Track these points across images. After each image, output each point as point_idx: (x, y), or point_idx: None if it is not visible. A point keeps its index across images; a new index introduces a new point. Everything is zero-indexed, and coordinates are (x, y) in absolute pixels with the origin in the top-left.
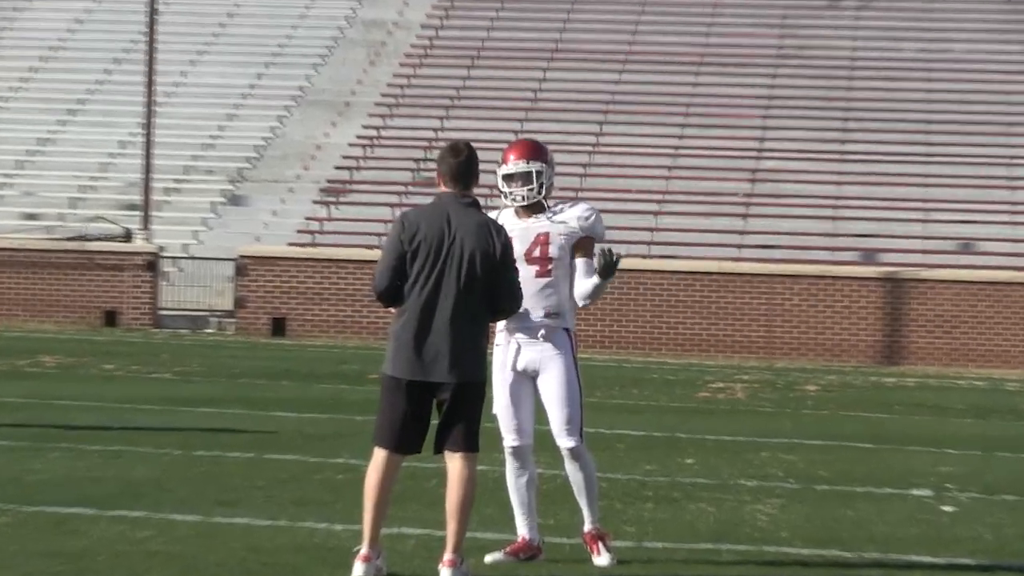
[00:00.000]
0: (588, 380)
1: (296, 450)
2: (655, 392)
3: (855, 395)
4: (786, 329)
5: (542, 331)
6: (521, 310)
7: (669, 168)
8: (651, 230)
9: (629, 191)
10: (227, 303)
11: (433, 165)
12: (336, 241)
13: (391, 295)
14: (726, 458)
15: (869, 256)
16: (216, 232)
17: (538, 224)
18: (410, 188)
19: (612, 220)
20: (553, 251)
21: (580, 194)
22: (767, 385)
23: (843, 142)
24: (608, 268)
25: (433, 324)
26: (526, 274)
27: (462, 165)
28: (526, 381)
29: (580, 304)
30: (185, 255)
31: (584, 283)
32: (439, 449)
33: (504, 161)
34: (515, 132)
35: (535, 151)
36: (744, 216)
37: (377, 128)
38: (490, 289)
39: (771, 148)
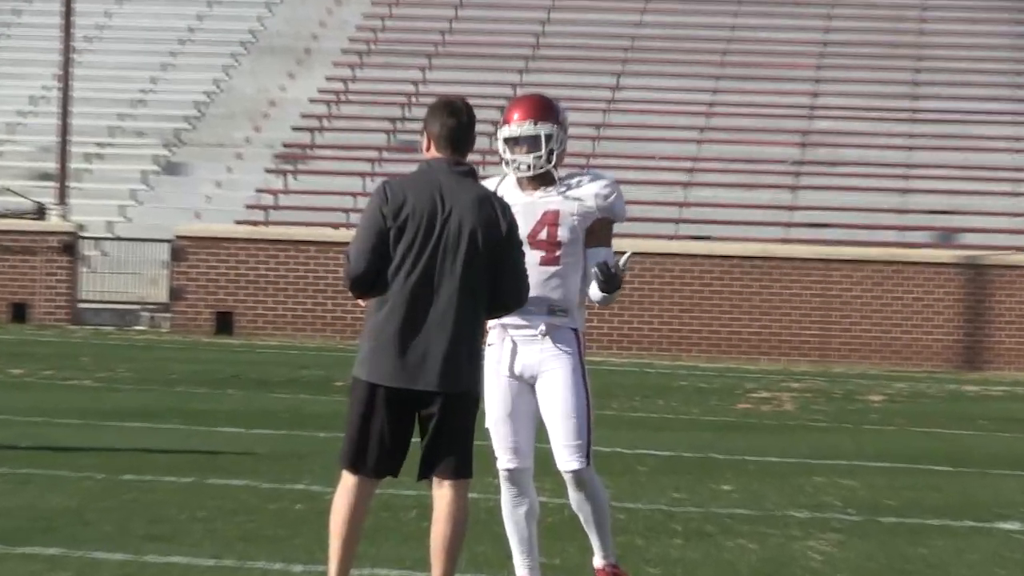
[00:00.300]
0: (602, 388)
1: (245, 474)
2: (684, 403)
3: (929, 407)
4: (844, 326)
5: (543, 328)
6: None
7: (701, 129)
8: (679, 205)
9: (652, 157)
10: (161, 294)
11: (414, 125)
12: (295, 218)
13: (368, 282)
14: (772, 484)
15: (946, 237)
16: (148, 208)
17: (547, 199)
18: (385, 154)
19: (631, 193)
20: (563, 234)
21: (591, 161)
22: (821, 394)
23: (914, 97)
24: (610, 282)
25: (422, 319)
26: (528, 260)
27: (461, 128)
28: (524, 389)
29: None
30: (110, 236)
31: (592, 289)
32: (425, 475)
33: (506, 121)
34: (513, 86)
35: (544, 110)
36: (793, 188)
37: (344, 81)
38: (492, 278)
39: (826, 105)
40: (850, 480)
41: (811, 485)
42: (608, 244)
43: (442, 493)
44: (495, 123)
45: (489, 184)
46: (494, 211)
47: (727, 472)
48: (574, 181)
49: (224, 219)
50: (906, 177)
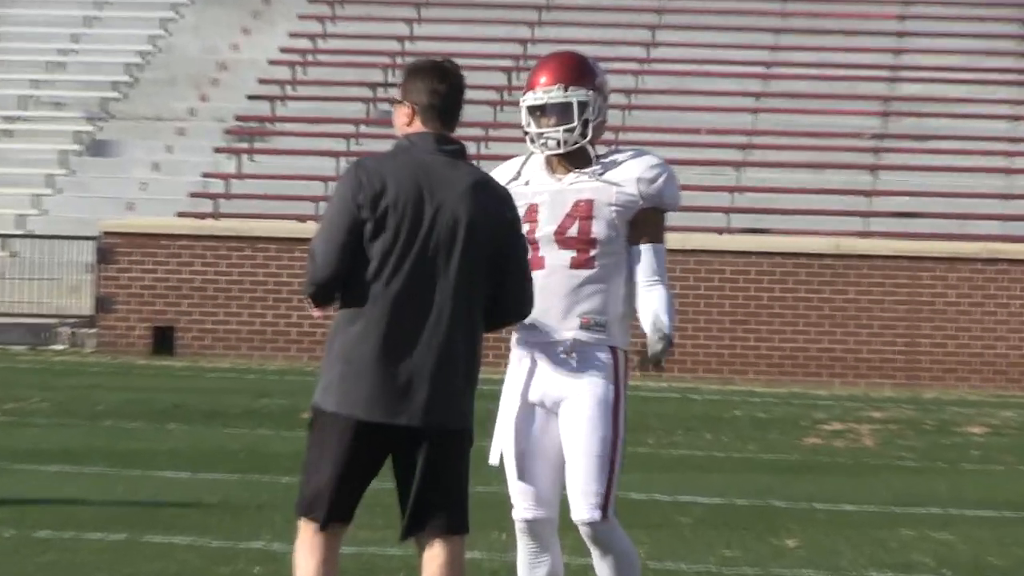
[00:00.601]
0: (636, 420)
1: (191, 529)
2: (737, 438)
3: None
4: (938, 340)
5: (569, 345)
6: (546, 312)
7: (757, 96)
8: (731, 190)
9: (696, 131)
10: (85, 305)
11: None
12: (251, 209)
13: (336, 288)
14: (847, 537)
15: None
16: (67, 197)
17: (579, 186)
18: (363, 128)
19: None
20: (598, 229)
21: (620, 136)
22: (910, 426)
23: (1020, 55)
24: (657, 358)
25: (407, 338)
26: (556, 261)
27: (450, 95)
28: (549, 420)
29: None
30: (20, 232)
31: (644, 309)
32: (411, 532)
33: (531, 86)
34: (522, 43)
35: (577, 72)
36: (872, 168)
37: (312, 37)
38: (492, 284)
39: (912, 65)
40: (945, 533)
41: (896, 540)
42: (657, 239)
43: (433, 554)
44: (500, 90)
45: (510, 165)
46: (495, 200)
47: (791, 524)
48: (613, 161)
49: (163, 211)
50: (1011, 155)
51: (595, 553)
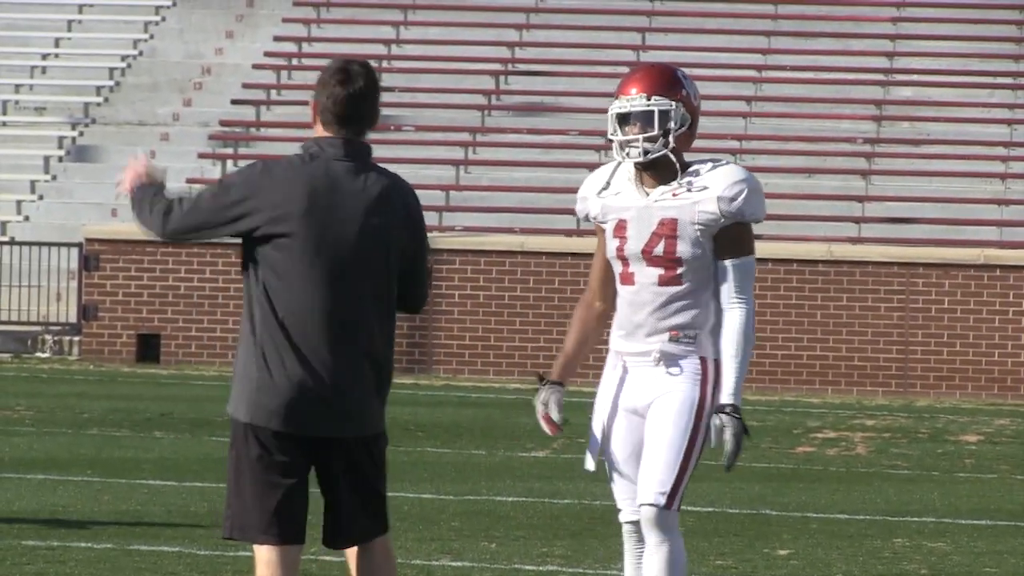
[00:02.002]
0: None
1: (178, 539)
2: None
3: None
4: (932, 348)
5: (657, 356)
6: (638, 326)
7: (749, 100)
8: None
9: None
10: (68, 312)
11: (387, 97)
12: None
13: (178, 238)
14: (840, 548)
15: None
16: (50, 204)
17: (663, 202)
18: None
19: None
20: (683, 248)
21: (604, 152)
22: (903, 434)
23: (1018, 58)
24: (736, 451)
25: (316, 349)
26: (645, 278)
27: (354, 98)
28: (639, 425)
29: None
30: (3, 239)
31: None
32: (339, 542)
33: (617, 95)
34: (510, 46)
35: (661, 83)
36: (866, 173)
37: (297, 41)
38: (400, 291)
39: (906, 69)
40: (940, 542)
41: (890, 549)
42: (745, 252)
43: (369, 556)
44: (488, 94)
45: (600, 174)
46: (402, 206)
47: (783, 533)
48: (696, 173)
49: None
50: (1007, 159)
51: (649, 543)
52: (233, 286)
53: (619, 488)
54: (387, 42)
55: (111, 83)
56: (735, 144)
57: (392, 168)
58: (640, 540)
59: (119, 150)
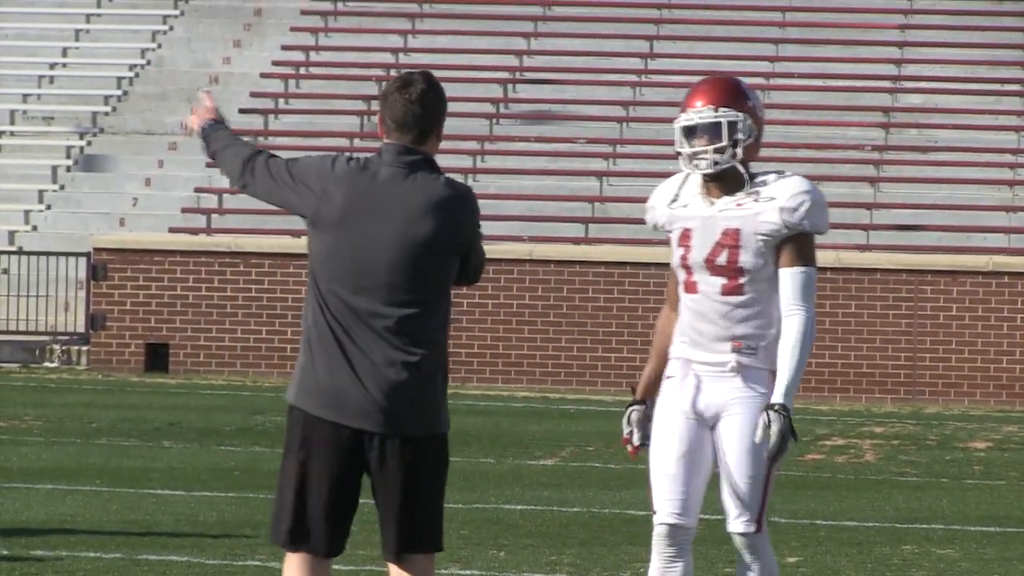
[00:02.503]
0: None
1: (187, 548)
2: None
3: None
4: (940, 355)
5: (724, 366)
6: (701, 335)
7: None
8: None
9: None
10: (77, 322)
11: None
12: (244, 225)
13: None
14: (849, 555)
15: None
16: (59, 213)
17: (728, 212)
18: (358, 142)
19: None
20: (746, 259)
21: (618, 149)
22: (911, 441)
23: None
24: (780, 447)
25: (365, 349)
26: (708, 288)
27: (411, 107)
28: (704, 433)
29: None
30: (11, 249)
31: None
32: (390, 548)
33: (684, 108)
34: (518, 55)
35: (728, 94)
36: (874, 180)
37: (305, 50)
38: (450, 295)
39: (914, 76)
40: (949, 549)
41: (899, 556)
42: (804, 263)
43: (402, 572)
44: (496, 102)
45: (669, 185)
46: (449, 219)
47: (792, 540)
48: (762, 184)
49: (156, 226)
50: (1016, 166)
51: (743, 561)
52: (242, 295)
53: (660, 488)
54: (395, 51)
55: (119, 92)
56: None
57: None
58: (671, 545)
59: (127, 159)
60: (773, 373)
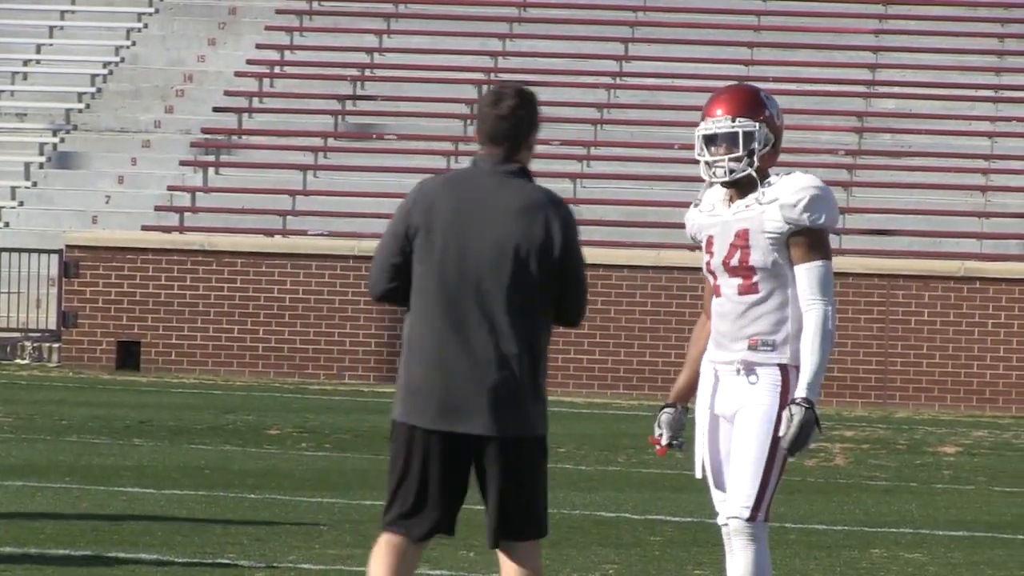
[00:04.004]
0: (607, 438)
1: (156, 547)
2: None
3: (1017, 461)
4: (911, 360)
5: (741, 364)
6: (723, 335)
7: None
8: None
9: (670, 146)
10: (48, 319)
11: (368, 106)
12: (217, 223)
13: (394, 300)
14: (818, 558)
15: None
16: (31, 210)
17: (740, 214)
18: (332, 141)
19: (640, 192)
20: (755, 257)
21: (592, 151)
22: (881, 445)
23: (999, 71)
24: (801, 438)
25: (459, 351)
26: (728, 289)
27: (502, 121)
28: (729, 431)
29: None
30: None
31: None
32: (494, 538)
33: (704, 116)
34: (493, 56)
35: (746, 104)
36: (847, 185)
37: (280, 49)
38: (550, 300)
39: (888, 80)
40: (918, 554)
41: (868, 560)
42: (817, 258)
43: (502, 562)
44: (471, 103)
45: (702, 193)
46: (544, 222)
47: None
48: (769, 186)
49: (128, 224)
50: (988, 172)
51: (734, 549)
52: (214, 294)
53: (716, 494)
54: (370, 51)
55: (93, 90)
56: None
57: (374, 177)
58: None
59: (101, 157)
60: (794, 368)
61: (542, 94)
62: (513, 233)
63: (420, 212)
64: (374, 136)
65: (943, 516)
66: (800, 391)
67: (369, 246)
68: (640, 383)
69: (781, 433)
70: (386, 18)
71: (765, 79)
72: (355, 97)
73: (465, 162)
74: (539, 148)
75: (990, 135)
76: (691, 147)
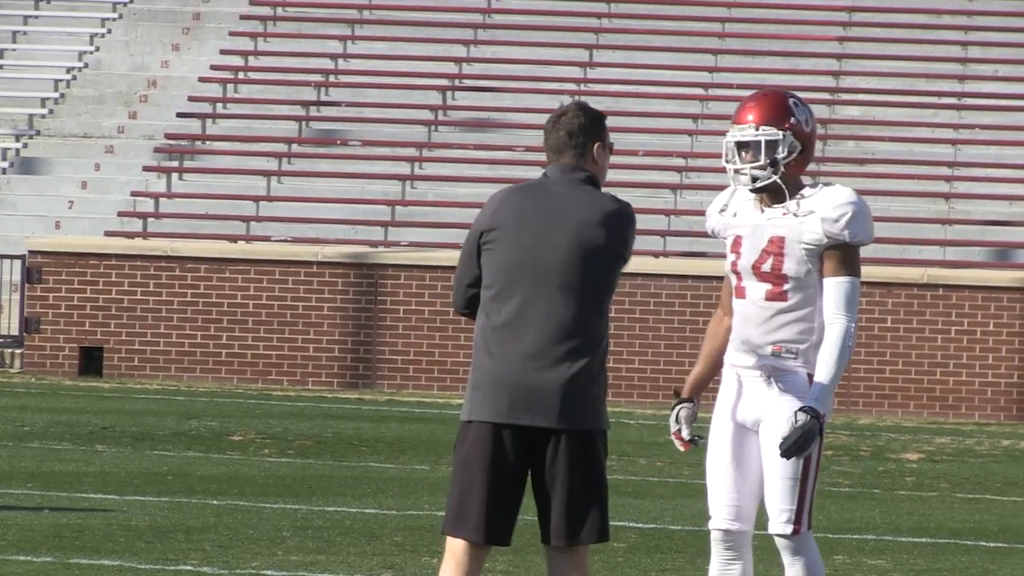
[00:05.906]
0: None
1: (119, 552)
2: (672, 463)
3: (979, 469)
4: (873, 366)
5: (766, 370)
6: (745, 340)
7: (696, 118)
8: (668, 213)
9: (634, 153)
10: (11, 325)
11: (332, 112)
12: (181, 229)
13: (474, 306)
14: (780, 564)
15: (1003, 254)
16: None
17: (775, 221)
18: (296, 147)
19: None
20: (790, 266)
21: None
22: (844, 452)
23: (962, 79)
24: (799, 443)
25: (527, 350)
26: (754, 293)
27: (563, 135)
28: (750, 438)
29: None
30: None
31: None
32: (546, 536)
33: (733, 122)
34: (457, 62)
35: (773, 110)
36: None
37: (244, 54)
38: (611, 298)
39: (852, 87)
40: (880, 560)
41: (831, 566)
42: (848, 273)
43: (549, 565)
44: (435, 109)
45: (722, 197)
46: (613, 223)
47: None
48: (807, 197)
49: (91, 230)
50: (951, 179)
51: (785, 562)
52: (177, 299)
53: (713, 494)
54: (334, 56)
55: (56, 95)
56: (680, 162)
57: (338, 183)
58: (727, 549)
59: (64, 162)
60: (812, 375)
61: (506, 100)
62: (581, 235)
63: (490, 217)
64: (338, 142)
65: (906, 523)
66: (809, 400)
67: (332, 251)
68: (624, 390)
69: (783, 433)
70: (350, 24)
71: (729, 85)
72: (319, 103)
73: (428, 167)
74: (505, 154)
75: (954, 142)
76: (657, 153)
